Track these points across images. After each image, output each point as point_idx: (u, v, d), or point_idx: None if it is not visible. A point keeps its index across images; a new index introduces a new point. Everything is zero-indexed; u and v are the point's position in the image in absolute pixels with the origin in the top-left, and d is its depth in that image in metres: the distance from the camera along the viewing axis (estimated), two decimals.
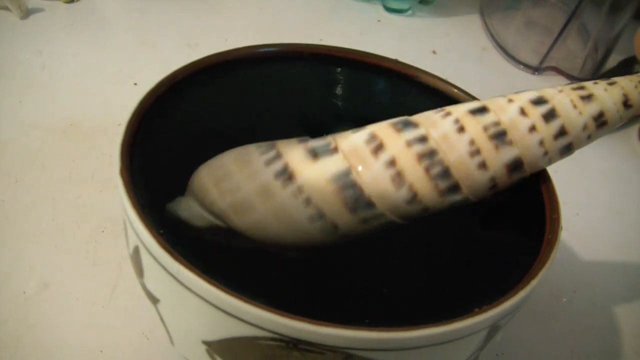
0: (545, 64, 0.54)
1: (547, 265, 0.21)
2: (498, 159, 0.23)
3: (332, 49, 0.29)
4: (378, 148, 0.23)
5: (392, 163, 0.22)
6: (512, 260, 0.24)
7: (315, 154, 0.23)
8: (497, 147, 0.23)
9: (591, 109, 0.23)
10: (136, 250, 0.21)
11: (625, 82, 0.24)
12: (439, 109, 0.24)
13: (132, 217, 0.19)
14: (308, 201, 0.22)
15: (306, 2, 0.60)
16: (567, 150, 0.24)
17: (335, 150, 0.23)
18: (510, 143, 0.23)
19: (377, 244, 0.25)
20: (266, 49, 0.28)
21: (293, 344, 0.18)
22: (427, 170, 0.22)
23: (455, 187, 0.23)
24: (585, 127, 0.24)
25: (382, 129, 0.23)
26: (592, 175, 0.45)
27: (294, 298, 0.21)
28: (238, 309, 0.18)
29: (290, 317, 0.17)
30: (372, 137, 0.23)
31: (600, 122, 0.24)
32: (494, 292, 0.20)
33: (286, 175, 0.23)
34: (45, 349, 0.27)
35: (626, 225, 0.41)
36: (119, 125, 0.23)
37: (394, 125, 0.23)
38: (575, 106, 0.23)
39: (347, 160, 0.23)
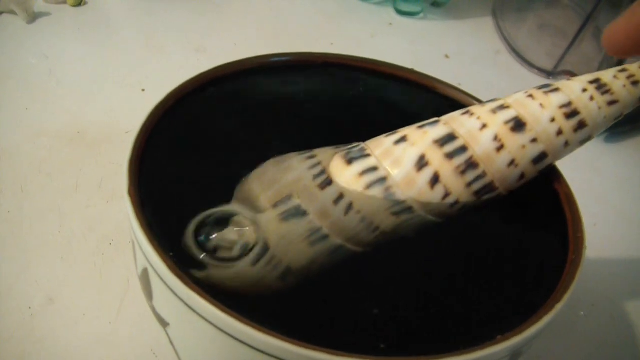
0: (560, 68, 0.53)
1: (572, 288, 0.20)
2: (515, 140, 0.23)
3: (345, 58, 0.29)
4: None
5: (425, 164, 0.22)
6: (534, 280, 0.23)
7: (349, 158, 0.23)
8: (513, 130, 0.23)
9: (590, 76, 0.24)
10: (145, 273, 0.20)
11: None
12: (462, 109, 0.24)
13: (140, 238, 0.19)
14: (350, 206, 0.22)
15: (316, 6, 0.59)
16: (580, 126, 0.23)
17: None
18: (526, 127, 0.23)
19: (390, 264, 0.24)
20: (278, 59, 0.28)
21: None
22: (457, 166, 0.22)
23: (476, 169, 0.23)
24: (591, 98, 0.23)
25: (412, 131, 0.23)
26: (609, 184, 0.44)
27: (307, 324, 0.20)
28: (252, 338, 0.17)
29: (307, 347, 0.17)
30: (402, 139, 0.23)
31: (604, 90, 0.23)
32: (515, 314, 0.20)
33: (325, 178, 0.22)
34: None
35: None
36: (126, 132, 0.22)
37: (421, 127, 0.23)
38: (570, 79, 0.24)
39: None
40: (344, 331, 0.21)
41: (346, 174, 0.22)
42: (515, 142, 0.23)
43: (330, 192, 0.22)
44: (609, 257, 0.37)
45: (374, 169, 0.22)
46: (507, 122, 0.23)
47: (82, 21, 0.51)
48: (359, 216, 0.22)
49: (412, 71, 0.28)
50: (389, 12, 0.60)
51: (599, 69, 0.52)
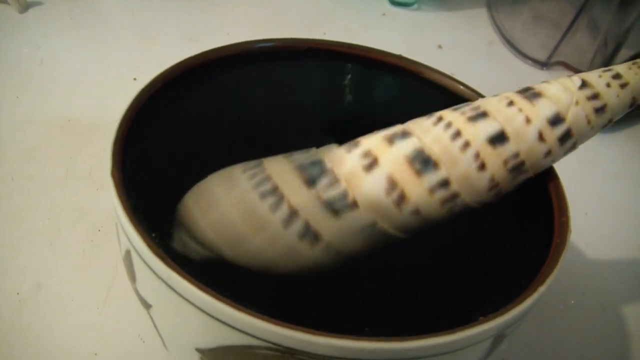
0: (553, 59, 0.53)
1: (555, 271, 0.20)
2: (496, 155, 0.22)
3: (334, 44, 0.29)
4: (372, 164, 0.22)
5: (389, 180, 0.22)
6: (518, 264, 0.23)
7: (311, 179, 0.22)
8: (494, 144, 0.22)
9: (586, 92, 0.23)
10: (128, 254, 0.20)
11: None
12: (430, 114, 0.23)
13: (123, 220, 0.19)
14: (304, 224, 0.21)
15: None
16: (567, 137, 0.23)
17: (331, 173, 0.22)
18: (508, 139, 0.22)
19: (377, 252, 0.24)
20: (265, 44, 0.28)
21: (289, 353, 0.17)
22: (424, 179, 0.22)
23: (453, 194, 0.22)
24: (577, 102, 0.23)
25: (375, 141, 0.22)
26: (600, 174, 0.44)
27: (290, 306, 0.20)
28: (232, 318, 0.17)
29: (287, 327, 0.17)
30: (366, 154, 0.22)
31: (597, 103, 0.23)
32: (499, 298, 0.20)
33: (276, 197, 0.22)
34: (39, 351, 0.27)
35: (636, 226, 0.40)
36: (117, 121, 0.22)
37: (388, 138, 0.22)
38: (567, 88, 0.23)
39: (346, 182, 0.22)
40: (328, 314, 0.21)
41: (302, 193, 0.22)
42: (493, 154, 0.22)
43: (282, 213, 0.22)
44: (599, 246, 0.37)
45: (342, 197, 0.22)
46: (488, 138, 0.22)
47: (74, 10, 0.51)
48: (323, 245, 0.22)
49: (400, 57, 0.28)
50: (382, 3, 0.60)
51: (592, 59, 0.52)
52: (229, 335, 0.18)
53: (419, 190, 0.22)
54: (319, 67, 0.28)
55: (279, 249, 0.22)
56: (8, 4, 0.49)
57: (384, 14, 0.58)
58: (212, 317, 0.17)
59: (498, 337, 0.19)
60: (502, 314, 0.18)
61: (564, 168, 0.24)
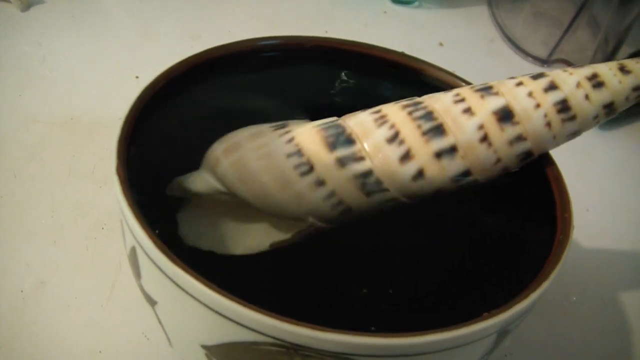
0: (554, 56, 0.53)
1: (558, 266, 0.20)
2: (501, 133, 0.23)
3: (336, 42, 0.29)
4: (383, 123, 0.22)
5: (398, 139, 0.22)
6: (521, 260, 0.23)
7: (333, 144, 0.22)
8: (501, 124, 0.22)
9: (585, 71, 0.23)
10: (133, 251, 0.20)
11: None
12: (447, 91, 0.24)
13: (128, 216, 0.19)
14: (312, 169, 0.22)
15: None
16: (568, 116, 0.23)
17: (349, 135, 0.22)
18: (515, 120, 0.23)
19: (381, 244, 0.24)
20: (268, 42, 0.28)
21: (294, 349, 0.17)
22: (432, 144, 0.22)
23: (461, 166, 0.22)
24: (578, 85, 0.23)
25: (390, 108, 0.23)
26: (601, 170, 0.44)
27: (295, 302, 0.20)
28: (238, 314, 0.17)
29: (292, 323, 0.17)
30: (381, 117, 0.23)
31: (596, 83, 0.23)
32: (502, 293, 0.20)
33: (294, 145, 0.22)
34: (42, 348, 0.27)
35: (636, 222, 0.40)
36: (119, 119, 0.22)
37: (404, 106, 0.23)
38: (570, 73, 0.23)
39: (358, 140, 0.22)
40: (333, 310, 0.21)
41: (325, 158, 0.22)
42: (500, 134, 0.22)
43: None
44: (601, 243, 0.37)
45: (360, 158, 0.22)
46: (495, 112, 0.22)
47: (76, 8, 0.51)
48: (336, 200, 0.22)
49: (402, 54, 0.28)
50: (383, 1, 0.60)
51: (593, 57, 0.52)
52: (234, 332, 0.18)
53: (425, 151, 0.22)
54: (324, 64, 0.29)
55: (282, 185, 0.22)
56: (10, 2, 0.49)
57: (385, 12, 0.58)
58: (218, 313, 0.17)
59: (502, 333, 0.20)
60: (506, 309, 0.18)
61: (566, 164, 0.24)
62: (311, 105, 0.28)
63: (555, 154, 0.25)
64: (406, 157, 0.22)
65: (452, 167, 0.22)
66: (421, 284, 0.23)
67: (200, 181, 0.23)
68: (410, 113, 0.22)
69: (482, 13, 0.61)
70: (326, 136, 0.22)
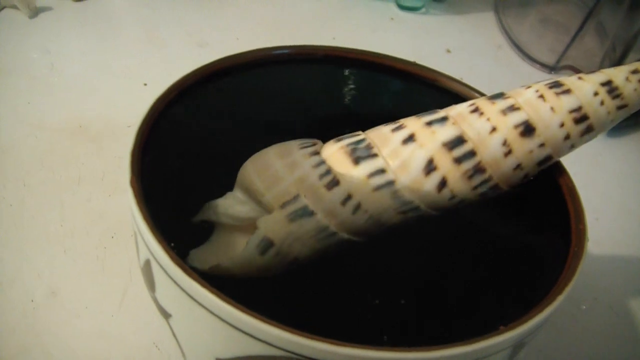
0: (562, 63, 0.53)
1: (574, 279, 0.20)
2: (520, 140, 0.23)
3: (347, 51, 0.29)
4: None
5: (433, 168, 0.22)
6: (533, 270, 0.23)
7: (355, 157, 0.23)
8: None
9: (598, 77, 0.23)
10: (147, 264, 0.20)
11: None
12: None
13: (143, 230, 0.19)
14: (358, 206, 0.22)
15: (318, 0, 0.59)
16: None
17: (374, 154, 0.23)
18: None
19: (394, 256, 0.24)
20: (279, 51, 0.28)
21: None
22: (465, 171, 0.22)
23: (482, 173, 0.23)
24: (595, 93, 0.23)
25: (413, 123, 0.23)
26: (611, 179, 0.44)
27: (308, 312, 0.20)
28: (254, 327, 0.17)
29: (309, 337, 0.17)
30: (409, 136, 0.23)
31: (611, 89, 0.23)
32: (518, 306, 0.20)
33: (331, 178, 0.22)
34: (53, 358, 0.27)
35: None
36: (128, 126, 0.22)
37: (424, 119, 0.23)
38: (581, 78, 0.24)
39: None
40: (347, 322, 0.21)
41: (353, 174, 0.22)
42: (523, 147, 0.23)
43: (338, 193, 0.22)
44: (610, 251, 0.37)
45: (382, 171, 0.22)
46: (517, 127, 0.23)
47: (84, 15, 0.51)
48: (367, 215, 0.22)
49: (413, 64, 0.28)
50: (390, 7, 0.60)
51: (601, 63, 0.52)
52: (250, 345, 0.18)
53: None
54: (335, 74, 0.29)
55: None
56: (18, 9, 0.49)
57: (392, 19, 0.58)
58: (234, 326, 0.17)
59: (518, 346, 0.19)
60: (523, 322, 0.18)
61: (573, 172, 0.24)
62: (324, 115, 0.28)
63: (565, 163, 0.25)
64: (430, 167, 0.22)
65: (476, 179, 0.23)
66: (434, 295, 0.23)
67: (238, 202, 0.23)
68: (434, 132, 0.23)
69: (488, 19, 0.61)
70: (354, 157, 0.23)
